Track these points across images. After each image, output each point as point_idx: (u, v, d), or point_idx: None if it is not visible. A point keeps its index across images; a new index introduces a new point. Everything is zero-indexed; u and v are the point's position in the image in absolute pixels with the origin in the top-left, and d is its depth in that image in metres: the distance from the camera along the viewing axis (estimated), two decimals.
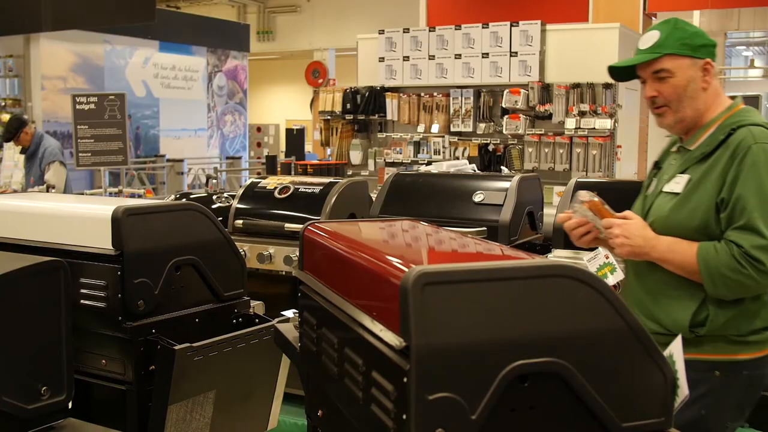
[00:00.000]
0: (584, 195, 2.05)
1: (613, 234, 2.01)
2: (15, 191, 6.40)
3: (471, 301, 1.05)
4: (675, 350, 1.52)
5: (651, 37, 2.07)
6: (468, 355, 1.04)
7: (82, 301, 1.99)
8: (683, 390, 1.40)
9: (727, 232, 1.92)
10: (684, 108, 2.04)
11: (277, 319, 1.99)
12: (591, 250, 2.35)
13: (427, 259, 1.42)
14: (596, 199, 2.05)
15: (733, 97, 2.14)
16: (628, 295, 2.13)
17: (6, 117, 11.26)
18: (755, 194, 1.89)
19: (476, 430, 1.03)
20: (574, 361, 1.09)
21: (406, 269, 1.07)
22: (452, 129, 6.86)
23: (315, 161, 10.34)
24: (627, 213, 2.07)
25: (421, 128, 6.97)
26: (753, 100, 4.07)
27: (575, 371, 1.09)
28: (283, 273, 3.33)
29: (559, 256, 2.88)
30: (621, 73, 2.19)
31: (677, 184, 2.03)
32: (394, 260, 1.21)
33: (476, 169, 4.21)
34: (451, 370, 1.03)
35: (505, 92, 6.44)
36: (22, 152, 6.43)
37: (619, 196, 2.29)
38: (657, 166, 2.23)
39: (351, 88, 7.32)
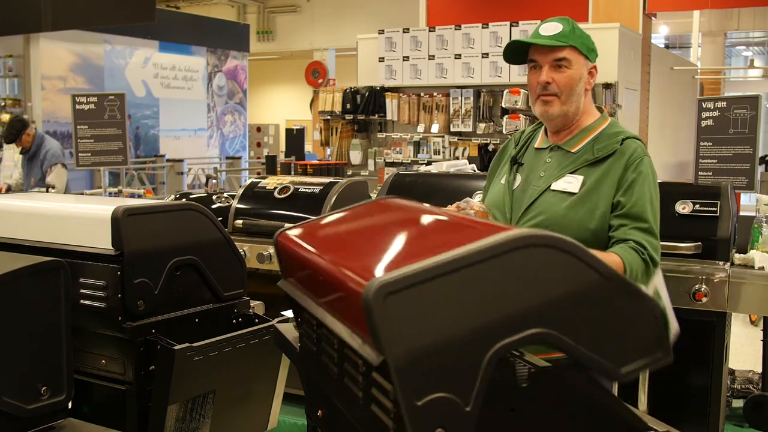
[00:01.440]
0: (475, 204, 2.08)
1: None
2: (10, 187, 6.42)
3: (438, 298, 1.03)
4: (659, 284, 1.49)
5: (555, 27, 2.12)
6: (448, 351, 1.02)
7: (82, 301, 1.99)
8: (673, 324, 1.38)
9: (628, 231, 2.04)
10: (571, 102, 2.12)
11: (277, 319, 1.99)
12: None
13: (392, 259, 1.31)
14: (485, 210, 2.08)
15: (598, 108, 2.24)
16: None
17: (6, 117, 11.28)
18: (648, 201, 2.06)
19: (474, 420, 1.02)
20: (557, 326, 1.07)
21: (365, 282, 1.03)
22: (452, 129, 6.86)
23: (315, 161, 10.33)
24: None
25: (421, 128, 6.97)
26: (753, 100, 4.07)
27: (559, 335, 1.07)
28: None
29: None
30: (514, 54, 2.20)
31: (569, 183, 2.10)
32: (355, 272, 1.17)
33: (476, 169, 4.21)
34: (435, 369, 1.01)
35: (505, 92, 6.44)
36: (21, 153, 6.44)
37: None
38: (516, 161, 2.25)
39: (351, 88, 7.31)
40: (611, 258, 1.99)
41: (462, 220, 1.40)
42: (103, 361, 2.01)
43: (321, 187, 3.41)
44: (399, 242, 1.40)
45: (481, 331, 1.03)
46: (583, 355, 1.09)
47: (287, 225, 1.61)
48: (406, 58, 6.99)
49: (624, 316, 1.13)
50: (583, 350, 1.09)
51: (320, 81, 16.28)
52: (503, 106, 6.50)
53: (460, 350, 1.02)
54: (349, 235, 1.57)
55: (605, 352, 1.10)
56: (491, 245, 1.06)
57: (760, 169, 4.65)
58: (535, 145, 2.25)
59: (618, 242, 2.05)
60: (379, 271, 1.04)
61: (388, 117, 7.09)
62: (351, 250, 1.43)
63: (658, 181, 2.12)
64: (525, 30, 6.44)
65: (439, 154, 6.90)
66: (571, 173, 2.11)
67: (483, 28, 6.62)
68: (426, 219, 1.47)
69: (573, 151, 2.14)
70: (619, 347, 1.12)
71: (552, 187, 2.11)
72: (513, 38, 6.42)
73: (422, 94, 6.98)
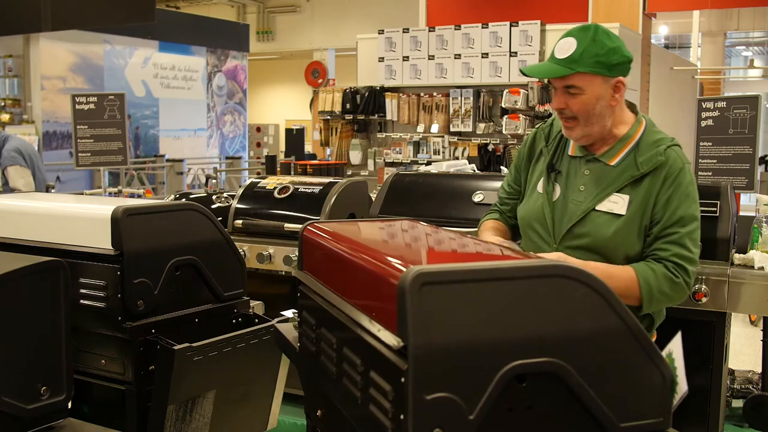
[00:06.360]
0: None
1: None
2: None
3: (469, 301, 1.05)
4: (674, 348, 1.52)
5: (568, 47, 2.00)
6: (466, 355, 1.04)
7: (81, 301, 1.99)
8: (682, 387, 1.40)
9: (661, 245, 2.00)
10: (592, 124, 2.04)
11: (276, 319, 1.99)
12: None
13: (426, 259, 1.42)
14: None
15: (630, 107, 2.15)
16: None
17: (6, 117, 11.28)
18: (690, 216, 2.00)
19: (474, 429, 1.03)
20: (572, 361, 1.09)
21: (404, 269, 1.07)
22: (452, 129, 6.86)
23: (315, 161, 10.34)
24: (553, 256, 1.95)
25: (420, 128, 6.97)
26: (753, 100, 4.08)
27: (573, 371, 1.09)
28: (283, 273, 3.33)
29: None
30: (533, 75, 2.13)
31: (615, 204, 2.03)
32: (393, 260, 1.21)
33: (476, 169, 4.21)
34: (449, 369, 1.03)
35: (504, 92, 6.44)
36: None
37: None
38: (553, 168, 2.16)
39: (351, 88, 7.31)
40: (622, 273, 1.95)
41: (491, 246, 1.47)
42: (103, 361, 2.01)
43: (321, 187, 3.42)
44: (435, 248, 1.47)
45: (501, 344, 1.06)
46: (589, 397, 1.10)
47: (315, 218, 1.65)
48: (405, 58, 7.00)
49: (635, 370, 1.15)
50: (590, 392, 1.10)
51: (320, 81, 16.28)
52: (503, 106, 6.51)
53: (477, 357, 1.04)
54: (380, 237, 1.60)
55: (610, 402, 1.12)
56: (525, 266, 1.10)
57: (760, 169, 4.65)
58: (569, 152, 2.16)
59: (650, 258, 2.01)
60: (416, 265, 1.07)
61: (388, 117, 7.09)
62: (384, 248, 1.46)
63: None
64: (525, 30, 6.44)
65: (438, 154, 6.90)
66: (616, 192, 2.04)
67: (483, 28, 6.62)
68: (458, 237, 1.53)
69: (612, 164, 2.07)
70: (623, 401, 1.14)
71: (597, 208, 2.04)
72: (513, 39, 6.46)
73: (422, 94, 6.98)
